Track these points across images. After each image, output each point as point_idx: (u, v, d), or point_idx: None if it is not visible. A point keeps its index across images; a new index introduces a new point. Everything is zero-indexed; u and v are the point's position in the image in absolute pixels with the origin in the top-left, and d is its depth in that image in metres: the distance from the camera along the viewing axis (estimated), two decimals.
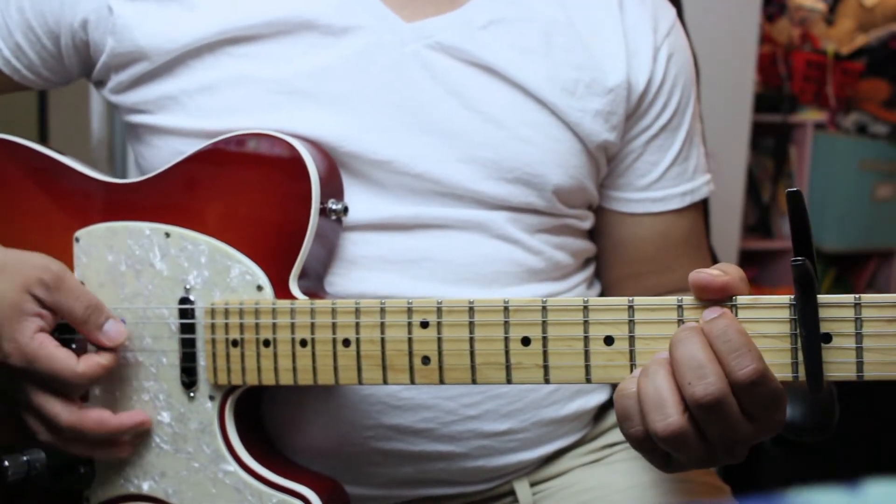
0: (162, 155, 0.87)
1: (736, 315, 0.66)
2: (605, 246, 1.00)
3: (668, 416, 0.64)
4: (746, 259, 2.96)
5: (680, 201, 0.97)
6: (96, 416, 0.81)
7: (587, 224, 0.97)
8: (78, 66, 0.93)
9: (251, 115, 0.84)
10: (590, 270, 1.00)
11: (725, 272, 0.66)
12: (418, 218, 0.86)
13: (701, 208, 1.02)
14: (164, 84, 0.87)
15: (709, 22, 2.28)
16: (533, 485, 0.95)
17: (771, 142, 3.02)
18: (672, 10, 0.98)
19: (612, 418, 0.99)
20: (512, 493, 0.94)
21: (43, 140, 1.88)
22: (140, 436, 0.84)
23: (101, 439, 0.82)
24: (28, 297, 0.78)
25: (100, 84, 0.93)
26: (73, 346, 0.83)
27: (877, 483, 0.36)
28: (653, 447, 0.67)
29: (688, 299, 0.67)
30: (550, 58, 0.89)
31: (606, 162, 0.94)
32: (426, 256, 0.86)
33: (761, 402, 0.64)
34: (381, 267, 0.86)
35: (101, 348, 0.82)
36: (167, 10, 0.86)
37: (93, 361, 0.80)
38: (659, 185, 0.96)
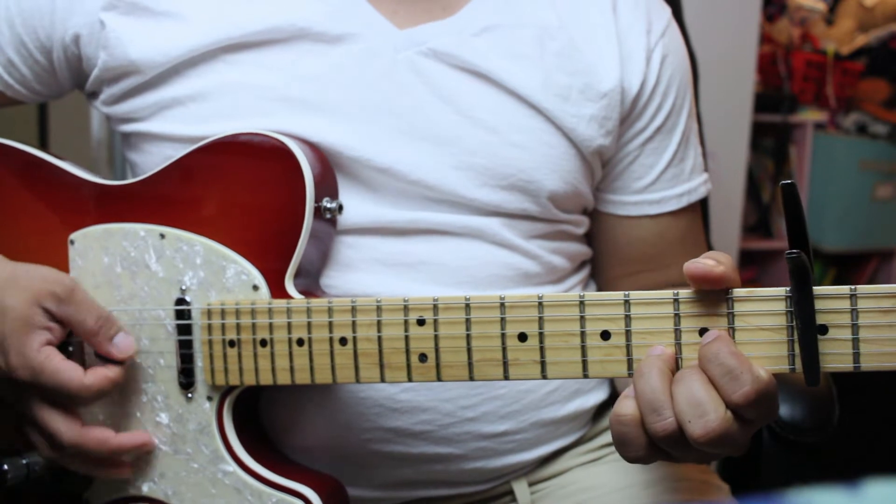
0: (155, 161, 0.87)
1: (732, 307, 0.66)
2: (602, 248, 1.00)
3: (664, 416, 0.64)
4: (746, 259, 2.96)
5: (677, 203, 0.97)
6: (98, 435, 0.81)
7: (582, 229, 0.97)
8: (70, 79, 0.93)
9: (244, 122, 0.84)
10: (585, 272, 0.99)
11: (719, 262, 0.66)
12: (414, 223, 0.86)
13: (698, 207, 1.01)
14: (157, 93, 0.87)
15: (709, 22, 2.28)
16: (531, 484, 0.94)
17: (771, 142, 3.02)
18: (667, 11, 0.97)
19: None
20: (510, 492, 0.94)
21: (43, 141, 1.88)
22: (141, 455, 0.84)
23: (101, 458, 0.82)
24: (38, 311, 0.78)
25: (92, 96, 0.93)
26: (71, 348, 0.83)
27: (877, 483, 0.36)
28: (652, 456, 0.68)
29: (684, 293, 0.67)
30: (544, 64, 0.88)
31: (601, 166, 0.94)
32: (422, 260, 0.86)
33: (759, 412, 0.65)
34: (377, 270, 0.85)
35: (108, 361, 0.81)
36: (159, 24, 0.86)
37: (100, 374, 0.79)
38: (655, 187, 0.96)
